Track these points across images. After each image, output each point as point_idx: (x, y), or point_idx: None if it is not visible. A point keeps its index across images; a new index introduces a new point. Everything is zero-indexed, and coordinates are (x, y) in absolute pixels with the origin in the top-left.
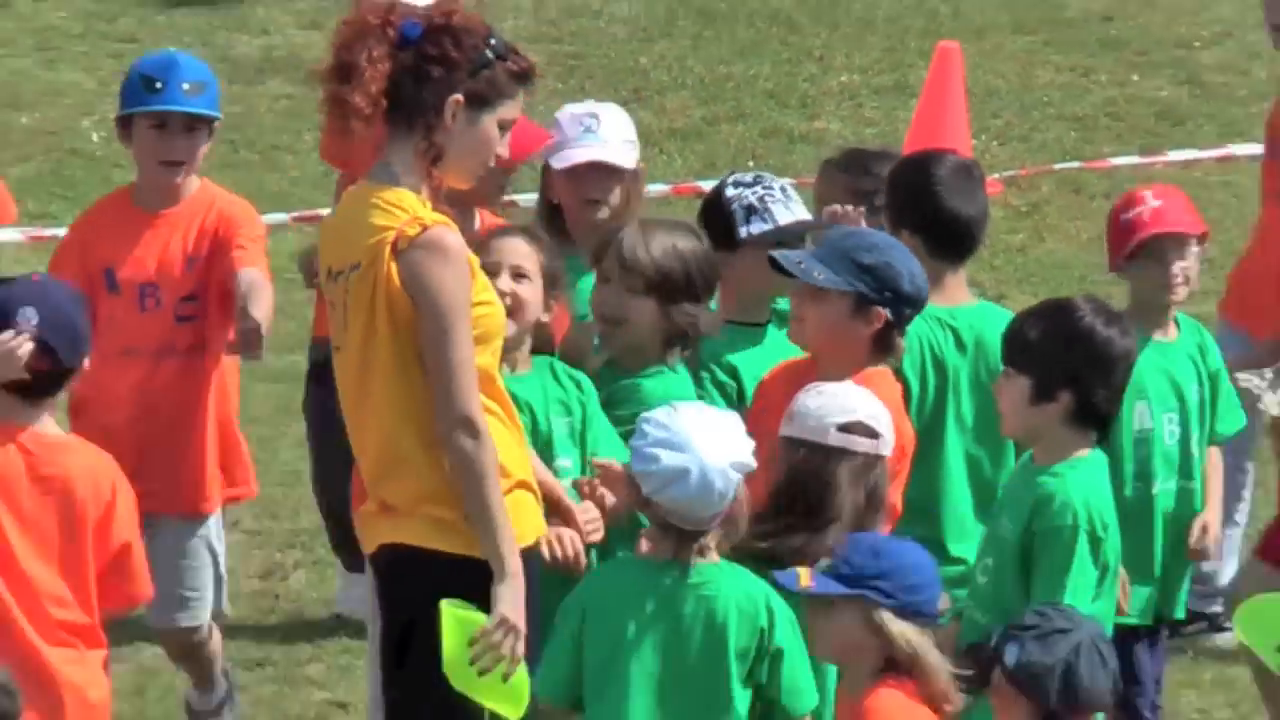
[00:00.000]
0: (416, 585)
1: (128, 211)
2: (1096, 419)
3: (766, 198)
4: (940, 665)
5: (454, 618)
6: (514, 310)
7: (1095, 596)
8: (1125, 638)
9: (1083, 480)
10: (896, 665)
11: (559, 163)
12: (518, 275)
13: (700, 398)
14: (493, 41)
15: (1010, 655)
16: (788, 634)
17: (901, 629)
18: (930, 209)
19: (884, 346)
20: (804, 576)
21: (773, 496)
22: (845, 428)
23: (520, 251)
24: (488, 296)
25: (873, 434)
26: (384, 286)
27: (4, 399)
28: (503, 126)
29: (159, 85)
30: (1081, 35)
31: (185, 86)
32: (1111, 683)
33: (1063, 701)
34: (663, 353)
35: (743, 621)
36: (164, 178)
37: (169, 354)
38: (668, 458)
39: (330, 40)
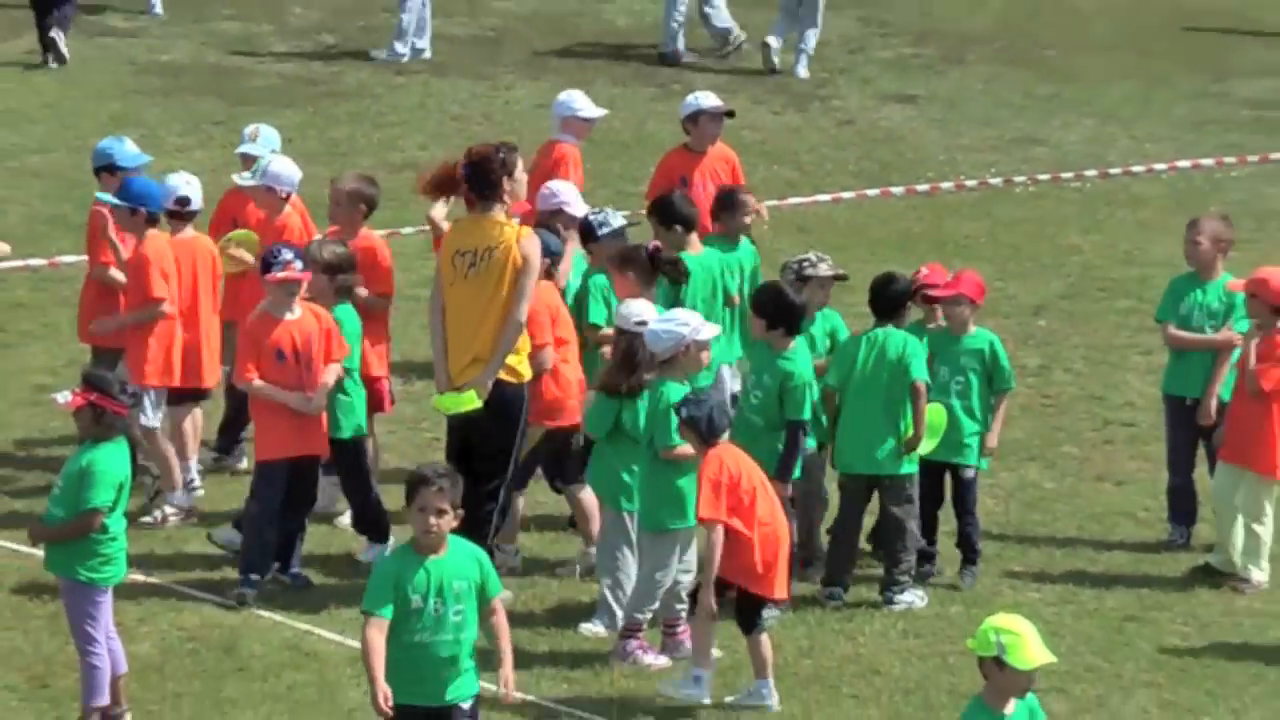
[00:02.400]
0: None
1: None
2: (795, 332)
3: (608, 217)
4: None
5: (452, 400)
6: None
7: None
8: None
9: (802, 360)
10: None
11: (579, 212)
12: None
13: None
14: (501, 153)
15: (683, 412)
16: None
17: None
18: (676, 212)
19: (649, 279)
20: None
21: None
22: (640, 323)
23: None
24: None
25: (644, 324)
26: (513, 257)
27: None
28: (516, 174)
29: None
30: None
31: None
32: (728, 424)
33: (707, 432)
34: None
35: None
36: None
37: None
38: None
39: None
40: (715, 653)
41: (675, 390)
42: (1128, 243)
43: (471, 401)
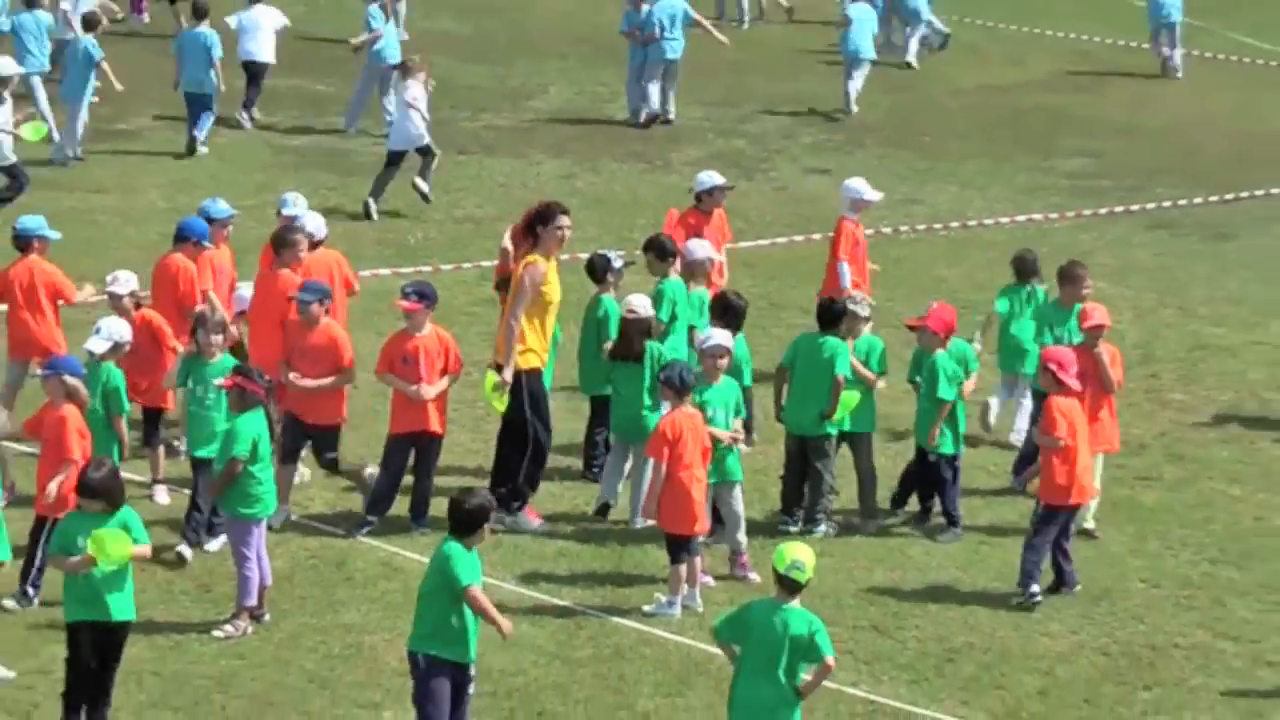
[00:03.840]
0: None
1: None
2: (738, 328)
3: (614, 257)
4: None
5: (490, 381)
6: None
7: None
8: None
9: (739, 347)
10: None
11: (699, 255)
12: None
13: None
14: (549, 208)
15: (661, 375)
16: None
17: None
18: (664, 248)
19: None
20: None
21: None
22: (631, 311)
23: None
24: (552, 280)
25: (634, 312)
26: (518, 279)
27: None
28: (561, 227)
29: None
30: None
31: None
32: (694, 380)
33: (680, 386)
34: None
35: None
36: None
37: None
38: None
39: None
40: (709, 581)
41: (717, 390)
42: (981, 274)
43: (499, 401)
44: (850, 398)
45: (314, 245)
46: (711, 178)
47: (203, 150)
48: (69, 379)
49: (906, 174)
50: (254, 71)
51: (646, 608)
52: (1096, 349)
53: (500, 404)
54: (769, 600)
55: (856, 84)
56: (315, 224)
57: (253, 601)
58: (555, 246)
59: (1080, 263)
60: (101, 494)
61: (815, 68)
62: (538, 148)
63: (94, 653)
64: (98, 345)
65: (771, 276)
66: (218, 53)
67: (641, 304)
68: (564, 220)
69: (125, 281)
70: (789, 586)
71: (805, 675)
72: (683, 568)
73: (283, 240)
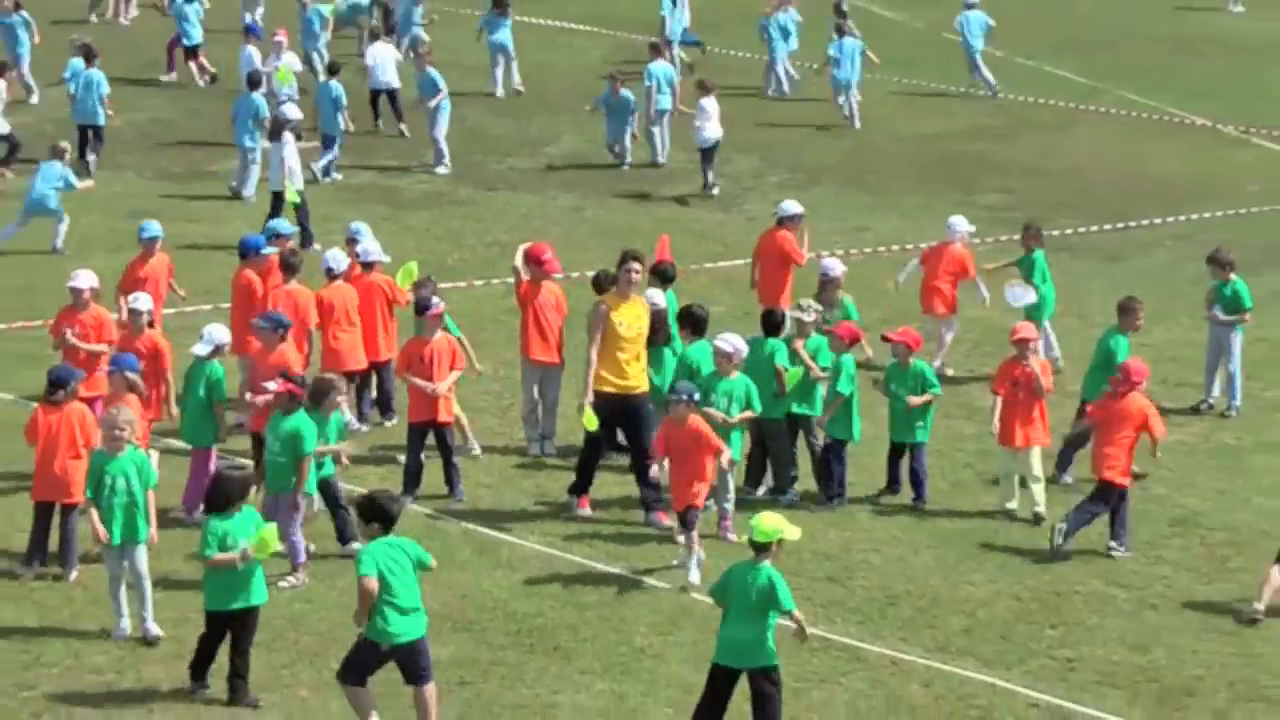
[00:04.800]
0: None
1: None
2: (700, 333)
3: (606, 278)
4: None
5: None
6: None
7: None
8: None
9: (696, 349)
10: None
11: (835, 273)
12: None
13: None
14: (624, 255)
15: (679, 390)
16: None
17: None
18: (665, 275)
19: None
20: None
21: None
22: (654, 304)
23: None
24: (618, 318)
25: (656, 305)
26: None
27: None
28: (630, 270)
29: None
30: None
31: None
32: (692, 392)
33: (699, 403)
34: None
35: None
36: None
37: None
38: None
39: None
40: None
41: (726, 383)
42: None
43: (590, 422)
44: (794, 374)
45: (367, 267)
46: (793, 206)
47: (335, 177)
48: (129, 374)
49: (856, 207)
50: (390, 96)
51: (676, 561)
52: (1027, 359)
53: (591, 423)
54: (745, 561)
55: (854, 103)
56: (363, 249)
57: (302, 559)
58: (627, 287)
59: (1136, 298)
60: (243, 496)
61: (781, 116)
62: (553, 185)
63: (236, 633)
64: (201, 349)
65: (745, 292)
66: (343, 101)
67: (661, 297)
68: (633, 265)
69: (145, 300)
70: (752, 546)
71: (786, 622)
72: (695, 534)
73: (287, 264)
